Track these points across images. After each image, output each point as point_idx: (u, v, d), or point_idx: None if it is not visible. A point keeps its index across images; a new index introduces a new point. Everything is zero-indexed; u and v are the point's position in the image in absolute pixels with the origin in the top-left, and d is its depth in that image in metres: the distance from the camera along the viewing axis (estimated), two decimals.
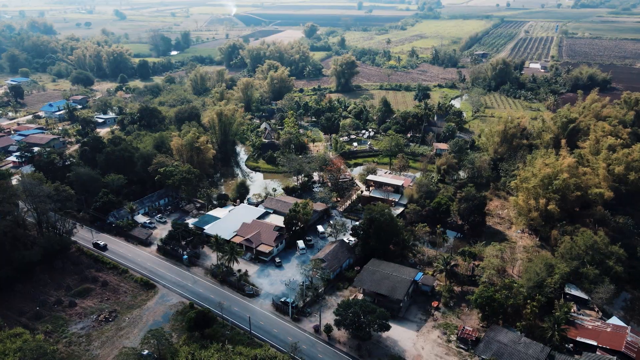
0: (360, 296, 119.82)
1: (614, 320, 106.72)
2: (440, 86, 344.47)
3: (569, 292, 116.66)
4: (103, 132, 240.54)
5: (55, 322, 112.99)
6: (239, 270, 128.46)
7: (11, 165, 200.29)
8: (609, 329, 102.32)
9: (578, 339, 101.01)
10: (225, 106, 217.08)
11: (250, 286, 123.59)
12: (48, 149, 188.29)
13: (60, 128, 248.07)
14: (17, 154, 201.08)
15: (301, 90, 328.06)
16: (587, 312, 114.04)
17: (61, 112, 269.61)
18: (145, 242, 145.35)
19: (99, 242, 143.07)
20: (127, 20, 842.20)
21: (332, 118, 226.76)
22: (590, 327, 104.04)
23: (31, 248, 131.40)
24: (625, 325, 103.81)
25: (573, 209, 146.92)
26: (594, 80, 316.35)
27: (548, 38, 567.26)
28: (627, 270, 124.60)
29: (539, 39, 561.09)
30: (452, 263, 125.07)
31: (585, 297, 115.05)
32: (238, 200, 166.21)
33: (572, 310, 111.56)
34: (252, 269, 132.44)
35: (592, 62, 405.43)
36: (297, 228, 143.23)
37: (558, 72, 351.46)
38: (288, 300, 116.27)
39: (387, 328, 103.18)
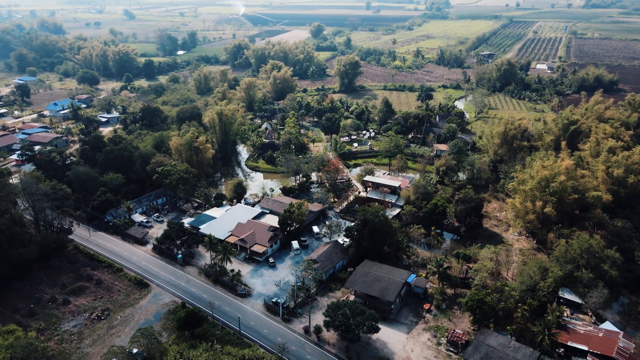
0: (352, 297, 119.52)
1: (607, 325, 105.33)
2: (444, 87, 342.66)
3: (563, 296, 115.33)
4: (106, 131, 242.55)
5: (48, 320, 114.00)
6: (232, 270, 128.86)
7: (14, 163, 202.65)
8: (601, 334, 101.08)
9: (569, 343, 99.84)
10: (225, 106, 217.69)
11: (243, 286, 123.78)
12: (48, 148, 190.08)
13: (64, 127, 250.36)
14: (19, 152, 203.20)
15: (305, 91, 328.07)
16: (581, 316, 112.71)
17: (65, 111, 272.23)
18: (141, 241, 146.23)
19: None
20: (136, 20, 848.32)
21: (332, 118, 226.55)
22: (582, 331, 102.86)
23: (28, 246, 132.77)
24: (618, 331, 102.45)
25: (572, 212, 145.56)
26: (600, 82, 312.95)
27: (557, 38, 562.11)
28: (624, 274, 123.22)
29: (547, 40, 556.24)
30: (445, 265, 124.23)
31: (579, 301, 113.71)
32: (235, 200, 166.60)
33: (565, 315, 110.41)
34: (246, 269, 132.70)
35: (600, 63, 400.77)
36: (291, 228, 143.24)
37: (564, 73, 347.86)
38: (279, 300, 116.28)
39: (376, 330, 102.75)
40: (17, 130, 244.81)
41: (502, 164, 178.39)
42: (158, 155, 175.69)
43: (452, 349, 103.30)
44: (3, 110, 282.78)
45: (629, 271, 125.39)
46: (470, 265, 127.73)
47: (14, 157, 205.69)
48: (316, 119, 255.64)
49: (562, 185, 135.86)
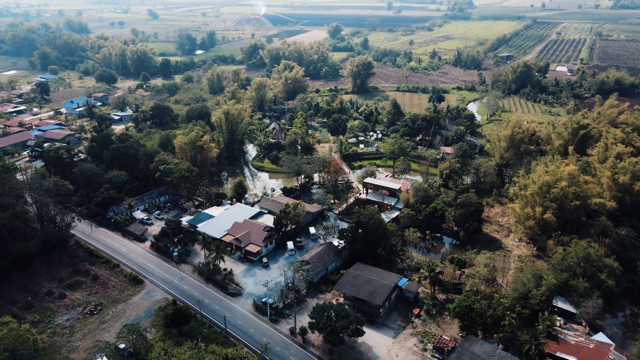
0: (341, 300, 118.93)
1: (600, 337, 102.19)
2: (459, 88, 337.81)
3: (556, 304, 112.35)
4: (118, 129, 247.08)
5: (43, 313, 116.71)
6: (225, 269, 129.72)
7: (27, 159, 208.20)
8: (592, 346, 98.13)
9: (558, 354, 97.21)
10: (233, 106, 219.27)
11: (234, 285, 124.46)
12: (56, 144, 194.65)
13: (77, 124, 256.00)
14: (30, 148, 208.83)
15: (317, 91, 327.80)
16: (575, 326, 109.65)
17: (81, 108, 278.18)
18: (140, 238, 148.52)
19: None
20: (160, 19, 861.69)
21: (339, 119, 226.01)
22: (573, 342, 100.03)
23: (31, 240, 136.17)
24: (610, 342, 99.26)
25: (578, 219, 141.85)
26: (621, 85, 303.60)
27: (580, 40, 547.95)
28: (626, 284, 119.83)
29: (570, 41, 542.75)
30: (438, 270, 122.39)
31: (574, 310, 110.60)
32: (234, 199, 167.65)
33: (558, 324, 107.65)
34: (239, 268, 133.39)
35: (623, 65, 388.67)
36: (287, 229, 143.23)
37: (584, 76, 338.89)
38: (269, 301, 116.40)
39: (361, 333, 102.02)
40: (33, 127, 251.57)
41: (507, 168, 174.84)
42: (162, 154, 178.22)
43: (437, 355, 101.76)
44: (22, 107, 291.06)
45: (631, 282, 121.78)
46: (465, 270, 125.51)
47: (26, 153, 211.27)
48: (325, 120, 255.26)
49: (563, 191, 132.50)
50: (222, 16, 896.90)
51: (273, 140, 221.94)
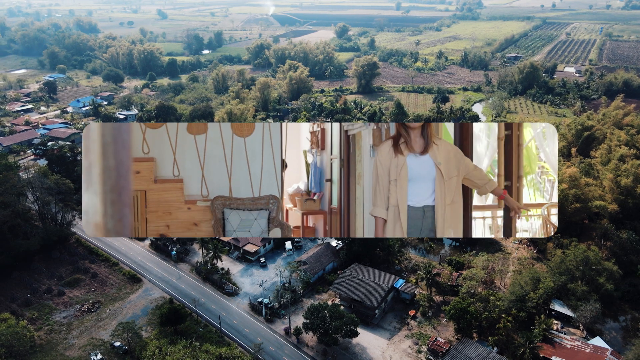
0: (337, 300, 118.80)
1: (597, 341, 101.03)
2: (465, 89, 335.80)
3: (554, 308, 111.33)
4: None
5: (42, 310, 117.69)
6: (222, 269, 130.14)
7: (32, 157, 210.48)
8: (588, 350, 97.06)
9: (553, 358, 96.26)
10: (236, 105, 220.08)
11: (231, 285, 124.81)
12: (60, 143, 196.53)
13: (83, 123, 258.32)
14: (34, 147, 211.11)
15: (322, 91, 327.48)
16: (572, 330, 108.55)
17: (87, 107, 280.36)
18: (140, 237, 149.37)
19: None
20: (168, 19, 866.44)
21: (341, 120, 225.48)
22: (569, 346, 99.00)
23: (32, 238, 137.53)
24: (607, 347, 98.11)
25: (581, 221, 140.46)
26: (629, 86, 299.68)
27: (590, 40, 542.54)
28: (627, 288, 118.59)
29: (580, 42, 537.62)
30: (435, 271, 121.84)
31: (571, 314, 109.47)
32: None
33: (555, 328, 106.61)
34: (237, 268, 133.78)
35: (633, 66, 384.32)
36: None
37: (592, 77, 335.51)
38: (265, 300, 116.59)
39: (355, 334, 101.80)
40: (39, 126, 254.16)
41: None
42: None
43: (431, 358, 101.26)
44: (30, 106, 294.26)
45: (633, 285, 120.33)
46: (462, 272, 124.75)
47: (31, 151, 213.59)
48: (328, 120, 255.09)
49: (564, 194, 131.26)
50: (231, 16, 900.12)
51: None
